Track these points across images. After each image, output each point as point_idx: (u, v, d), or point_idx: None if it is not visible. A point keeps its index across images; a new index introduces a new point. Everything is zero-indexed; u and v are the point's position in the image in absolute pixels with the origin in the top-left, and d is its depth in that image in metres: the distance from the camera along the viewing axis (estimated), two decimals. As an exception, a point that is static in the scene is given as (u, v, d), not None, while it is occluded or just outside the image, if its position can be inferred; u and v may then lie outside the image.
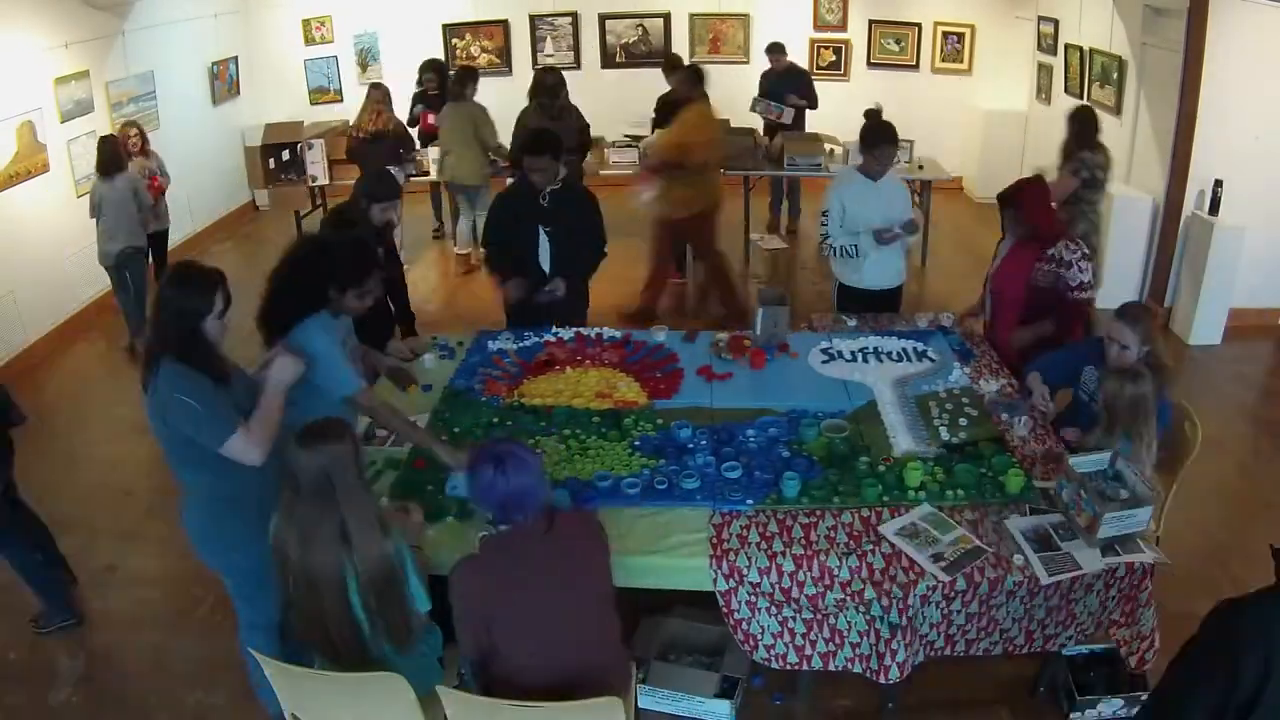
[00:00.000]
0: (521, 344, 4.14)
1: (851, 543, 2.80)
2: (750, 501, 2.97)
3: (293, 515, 2.34)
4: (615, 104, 8.94)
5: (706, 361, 3.92)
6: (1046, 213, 3.85)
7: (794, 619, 2.79)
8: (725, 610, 2.79)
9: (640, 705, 3.05)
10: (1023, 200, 3.81)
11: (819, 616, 2.78)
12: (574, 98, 8.21)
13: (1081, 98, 7.45)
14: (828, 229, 4.48)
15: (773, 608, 2.78)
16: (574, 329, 4.26)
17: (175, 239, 7.93)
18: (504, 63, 9.43)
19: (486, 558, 2.39)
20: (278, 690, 2.49)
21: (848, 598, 2.72)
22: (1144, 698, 2.92)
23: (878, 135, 4.45)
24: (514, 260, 4.23)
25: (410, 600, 2.47)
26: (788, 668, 2.88)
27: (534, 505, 2.36)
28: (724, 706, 3.05)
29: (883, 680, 2.77)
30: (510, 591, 2.35)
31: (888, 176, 4.47)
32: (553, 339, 4.19)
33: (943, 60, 9.18)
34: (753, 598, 2.76)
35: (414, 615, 2.49)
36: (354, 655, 2.43)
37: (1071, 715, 3.05)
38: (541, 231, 4.20)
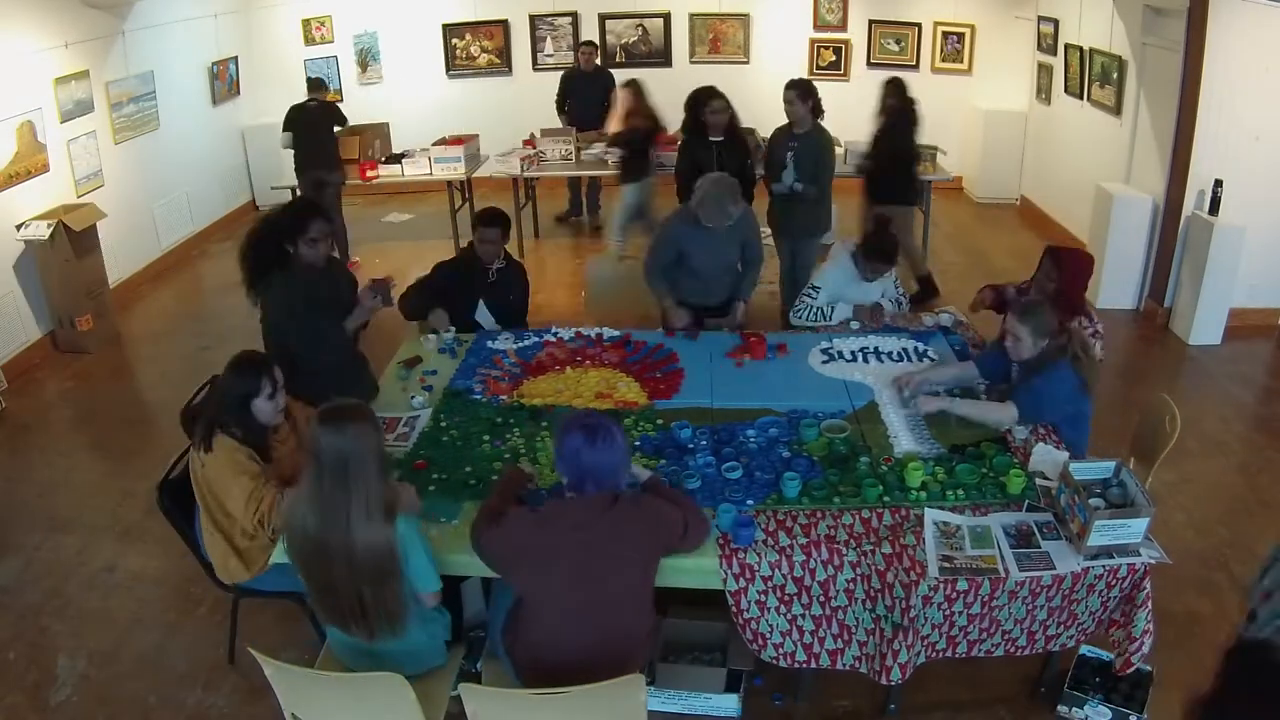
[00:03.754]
0: (521, 344, 4.15)
1: (852, 541, 2.80)
2: (751, 502, 2.97)
3: (311, 489, 2.44)
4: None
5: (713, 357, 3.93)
6: (1079, 287, 3.82)
7: (803, 616, 2.80)
8: (734, 610, 2.79)
9: (649, 708, 3.05)
10: (1066, 262, 3.76)
11: (827, 612, 2.79)
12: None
13: (1081, 98, 7.46)
14: (811, 303, 4.41)
15: (782, 605, 2.79)
16: (574, 329, 4.27)
17: (175, 239, 7.96)
18: (504, 63, 9.43)
19: (546, 514, 2.49)
20: (277, 690, 2.49)
21: (858, 578, 2.73)
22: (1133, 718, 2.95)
23: (873, 250, 4.32)
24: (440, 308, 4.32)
25: (402, 590, 2.52)
26: (796, 666, 2.88)
27: (609, 483, 2.47)
28: (731, 701, 3.06)
29: (885, 681, 2.77)
30: (553, 557, 2.43)
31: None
32: (552, 339, 4.19)
33: (943, 60, 9.18)
34: (763, 596, 2.77)
35: (405, 603, 2.54)
36: (361, 627, 2.52)
37: (1058, 708, 3.07)
38: (483, 302, 4.40)
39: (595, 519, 2.44)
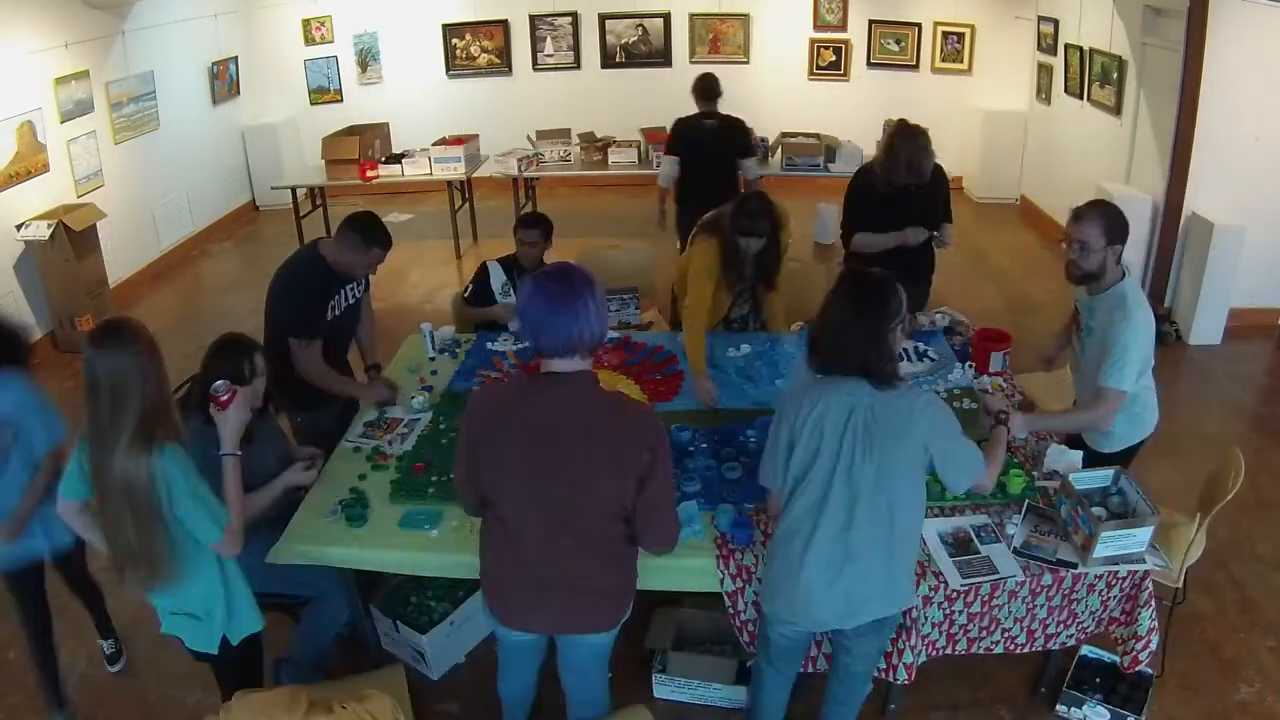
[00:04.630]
0: (521, 345, 4.14)
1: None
2: (750, 504, 2.96)
3: (88, 415, 2.34)
4: (615, 104, 8.97)
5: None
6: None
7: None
8: (731, 611, 2.79)
9: (658, 695, 3.08)
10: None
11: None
12: (573, 98, 8.23)
13: (1081, 98, 7.46)
14: None
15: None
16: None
17: (175, 239, 7.96)
18: (504, 63, 9.43)
19: (502, 384, 2.39)
20: None
21: None
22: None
23: None
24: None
25: (163, 534, 2.37)
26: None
27: (551, 343, 2.13)
28: (740, 693, 3.09)
29: (891, 679, 2.77)
30: (508, 431, 2.19)
31: None
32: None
33: (943, 60, 9.17)
34: (760, 597, 2.76)
35: (169, 550, 2.39)
36: (136, 571, 2.40)
37: (1057, 708, 3.08)
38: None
39: (550, 394, 2.16)
